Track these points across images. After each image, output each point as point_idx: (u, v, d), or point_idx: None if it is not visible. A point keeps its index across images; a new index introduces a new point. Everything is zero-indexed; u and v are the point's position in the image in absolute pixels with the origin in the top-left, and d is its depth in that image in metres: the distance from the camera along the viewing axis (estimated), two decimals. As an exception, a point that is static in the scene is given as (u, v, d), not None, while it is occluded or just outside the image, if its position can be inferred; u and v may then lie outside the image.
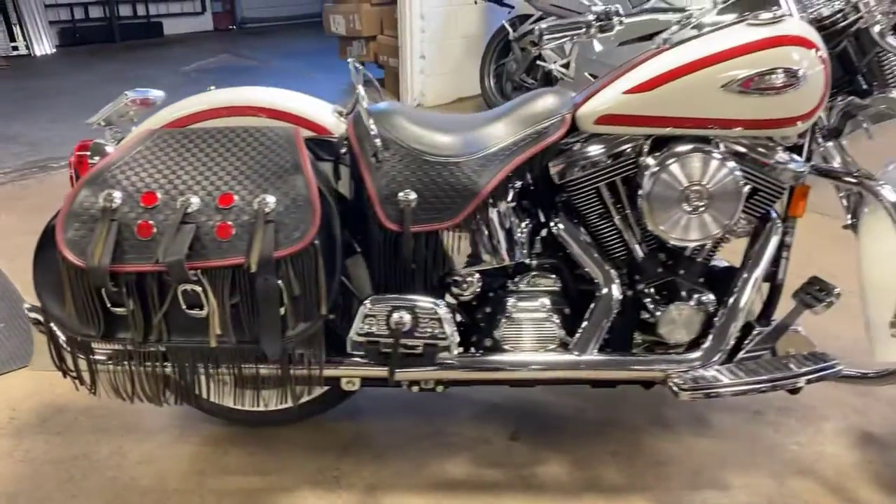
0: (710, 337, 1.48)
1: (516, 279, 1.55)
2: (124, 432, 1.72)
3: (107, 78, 6.47)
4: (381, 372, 1.44)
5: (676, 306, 1.47)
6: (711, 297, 1.50)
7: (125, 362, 1.38)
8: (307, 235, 1.26)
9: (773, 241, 1.49)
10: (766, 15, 1.36)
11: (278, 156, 1.33)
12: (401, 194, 1.38)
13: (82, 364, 1.40)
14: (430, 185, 1.39)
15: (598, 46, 3.85)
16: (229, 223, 1.26)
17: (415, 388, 1.52)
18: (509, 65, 4.42)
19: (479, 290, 1.54)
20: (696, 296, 1.49)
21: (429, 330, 1.41)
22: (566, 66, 4.01)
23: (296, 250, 1.26)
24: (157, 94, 1.60)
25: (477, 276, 1.53)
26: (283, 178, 1.30)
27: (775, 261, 1.52)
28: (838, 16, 1.45)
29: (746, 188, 1.41)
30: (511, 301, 1.51)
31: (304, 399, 1.65)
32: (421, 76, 4.98)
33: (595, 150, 1.44)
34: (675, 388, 1.42)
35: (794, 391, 1.49)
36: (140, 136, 1.37)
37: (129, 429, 1.73)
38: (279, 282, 1.26)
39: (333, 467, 1.61)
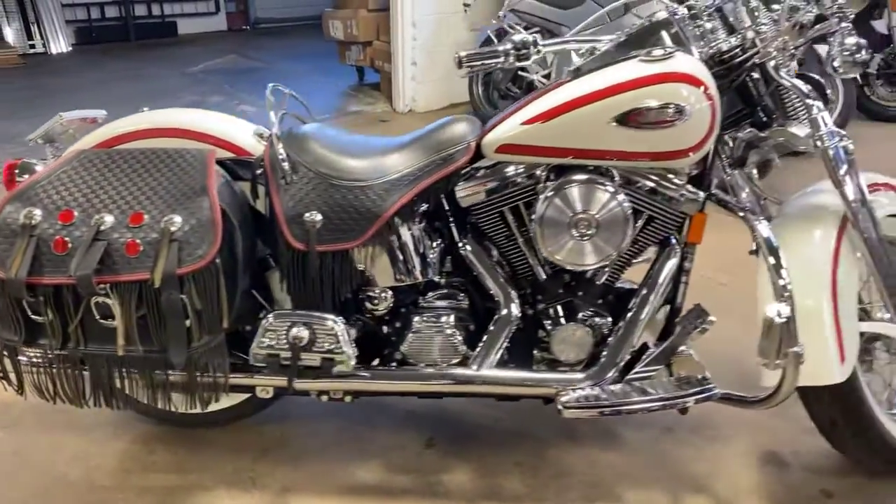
0: (603, 356, 1.54)
1: (427, 296, 1.63)
2: (65, 429, 1.83)
3: (118, 76, 6.67)
4: (282, 382, 1.53)
5: (569, 326, 1.54)
6: (606, 319, 1.56)
7: (46, 366, 1.48)
8: (209, 254, 1.35)
9: (670, 266, 1.55)
10: (657, 52, 1.42)
11: (190, 177, 1.42)
12: (307, 215, 1.47)
13: (9, 366, 1.51)
14: (335, 207, 1.48)
15: (576, 59, 3.92)
16: (137, 241, 1.35)
17: (324, 398, 1.60)
18: (495, 74, 4.49)
19: (391, 305, 1.62)
20: (589, 317, 1.56)
21: (326, 345, 1.50)
22: (547, 76, 4.08)
23: (197, 267, 1.35)
24: (97, 112, 1.71)
25: (390, 292, 1.62)
26: (192, 199, 1.39)
27: (675, 285, 1.58)
28: (737, 50, 1.50)
29: (639, 219, 1.48)
30: (418, 317, 1.59)
31: (227, 404, 1.77)
32: (412, 83, 5.07)
33: (497, 176, 1.52)
34: (559, 406, 1.49)
35: (683, 411, 1.56)
36: (67, 156, 1.48)
37: (70, 426, 1.84)
38: (182, 297, 1.36)
39: (250, 468, 1.70)
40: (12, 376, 1.51)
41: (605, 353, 1.55)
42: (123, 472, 1.69)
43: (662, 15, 1.51)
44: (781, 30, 1.43)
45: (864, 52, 1.45)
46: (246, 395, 1.74)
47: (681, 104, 1.37)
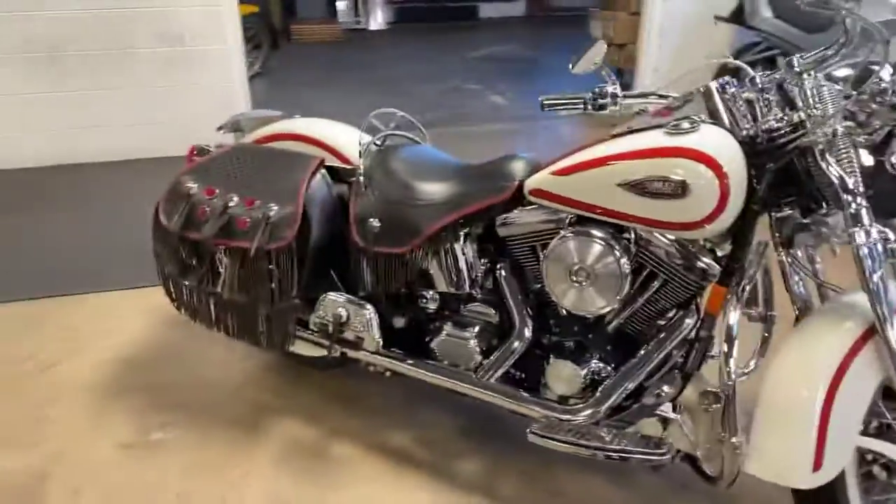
0: (592, 397, 1.65)
1: (466, 306, 1.88)
2: (213, 343, 2.45)
3: (406, 56, 7.55)
4: (326, 345, 1.92)
5: (562, 363, 1.67)
6: (606, 366, 1.66)
7: (190, 296, 2.05)
8: (288, 237, 1.78)
9: (680, 330, 1.59)
10: (685, 124, 1.47)
11: (294, 176, 1.84)
12: (370, 220, 1.81)
13: (173, 290, 2.12)
14: (391, 218, 1.80)
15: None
16: (248, 219, 1.82)
17: (370, 368, 1.96)
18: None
19: (438, 307, 1.90)
20: (588, 359, 1.66)
21: (359, 326, 1.84)
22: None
23: (279, 246, 1.79)
24: (273, 113, 2.24)
25: (438, 297, 1.89)
26: (289, 193, 1.83)
27: (690, 348, 1.61)
28: (785, 129, 1.47)
29: (655, 280, 1.56)
30: (451, 322, 1.85)
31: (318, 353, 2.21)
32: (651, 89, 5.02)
33: (528, 216, 1.70)
34: (530, 429, 1.65)
35: (656, 468, 1.60)
36: (224, 149, 2.01)
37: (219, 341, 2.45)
38: (270, 266, 1.81)
39: (321, 406, 2.14)
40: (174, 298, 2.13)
41: (594, 395, 1.65)
42: (241, 385, 2.26)
43: (714, 85, 1.52)
44: (827, 115, 1.38)
45: None
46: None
47: (684, 179, 1.41)
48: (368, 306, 1.86)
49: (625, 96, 1.66)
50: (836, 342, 1.38)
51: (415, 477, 1.88)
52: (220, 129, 2.22)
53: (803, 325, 1.44)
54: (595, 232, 1.55)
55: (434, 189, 1.79)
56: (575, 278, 1.58)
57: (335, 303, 1.88)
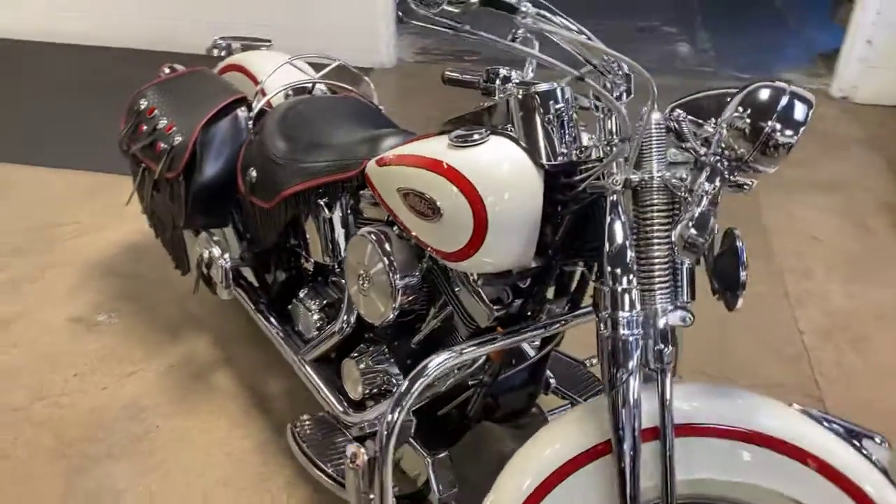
0: (371, 403, 1.51)
1: (330, 278, 1.79)
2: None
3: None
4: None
5: (355, 363, 1.53)
6: (388, 373, 1.50)
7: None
8: (178, 169, 1.83)
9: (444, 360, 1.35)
10: (475, 136, 1.20)
11: (202, 111, 1.86)
12: (250, 169, 1.78)
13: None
14: (264, 171, 1.74)
15: None
16: (162, 144, 1.89)
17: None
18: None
19: (312, 270, 1.83)
20: (373, 364, 1.51)
21: (215, 272, 1.86)
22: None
23: (171, 176, 1.85)
24: (261, 41, 2.24)
25: (311, 260, 1.82)
26: (191, 127, 1.85)
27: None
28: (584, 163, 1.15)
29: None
30: (309, 289, 1.79)
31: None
32: (860, 65, 4.06)
33: (365, 202, 1.55)
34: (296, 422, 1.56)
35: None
36: (180, 72, 2.07)
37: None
38: (169, 191, 1.89)
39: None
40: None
41: (375, 401, 1.51)
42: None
43: (543, 87, 1.21)
44: (615, 153, 1.05)
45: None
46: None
47: (435, 200, 1.18)
48: (226, 255, 1.86)
49: (520, 83, 1.39)
50: (567, 445, 1.11)
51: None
52: (209, 50, 2.28)
53: (557, 417, 1.17)
54: (382, 237, 1.37)
55: (303, 151, 1.68)
56: (360, 280, 1.43)
57: (204, 242, 1.91)
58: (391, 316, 1.37)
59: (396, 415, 1.16)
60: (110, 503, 1.68)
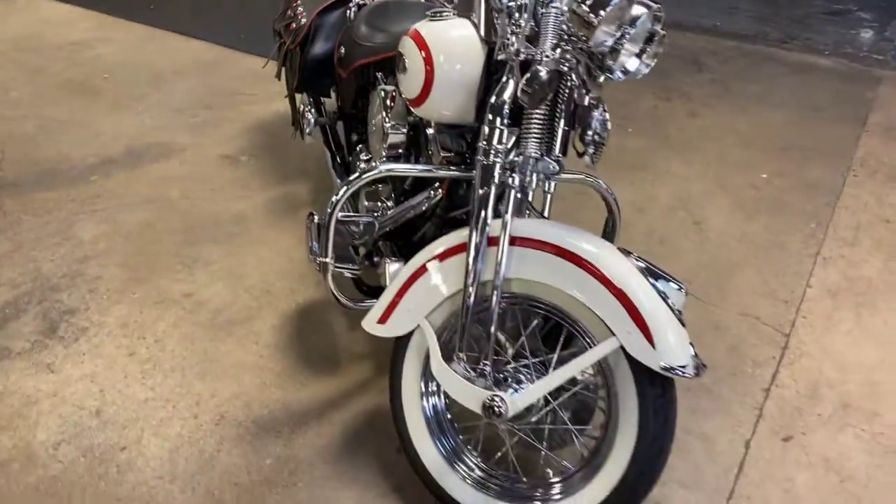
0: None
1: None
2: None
3: None
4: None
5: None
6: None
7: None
8: (296, 43, 2.43)
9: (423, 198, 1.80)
10: (445, 13, 1.62)
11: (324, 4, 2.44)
12: (341, 47, 2.31)
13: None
14: (346, 49, 2.25)
15: None
16: (293, 25, 2.51)
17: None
18: None
19: None
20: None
21: (304, 123, 2.43)
22: None
23: (291, 48, 2.45)
24: None
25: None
26: (310, 14, 2.43)
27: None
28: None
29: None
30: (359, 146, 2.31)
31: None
32: None
33: None
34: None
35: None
36: None
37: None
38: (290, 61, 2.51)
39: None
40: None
41: None
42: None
43: None
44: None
45: None
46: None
47: (403, 56, 1.62)
48: (312, 110, 2.43)
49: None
50: (443, 242, 1.52)
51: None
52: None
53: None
54: (387, 94, 1.84)
55: (374, 36, 2.18)
56: (371, 127, 1.93)
57: (301, 99, 2.50)
58: (384, 155, 1.84)
59: (340, 194, 1.64)
60: (203, 266, 2.37)
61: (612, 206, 1.82)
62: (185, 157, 3.04)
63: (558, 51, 1.34)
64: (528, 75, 1.33)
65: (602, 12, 1.25)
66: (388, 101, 1.83)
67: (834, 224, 2.64)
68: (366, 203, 1.99)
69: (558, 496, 1.48)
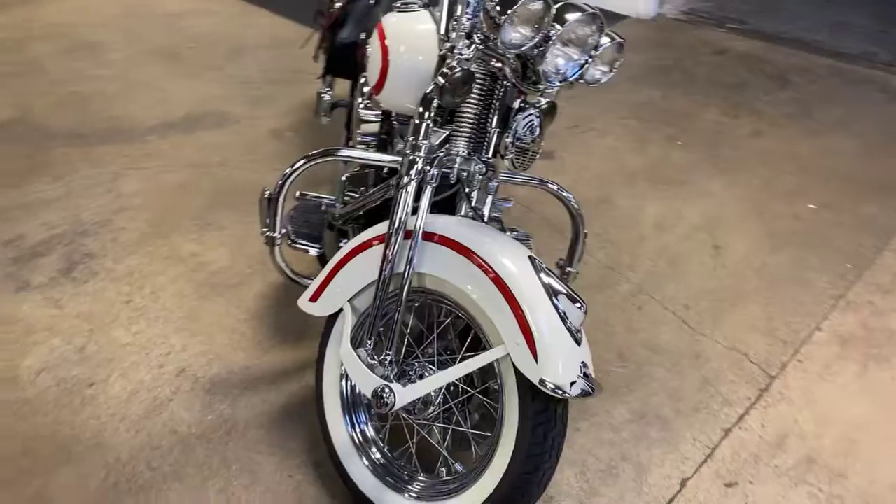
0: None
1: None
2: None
3: None
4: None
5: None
6: None
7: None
8: (325, 26, 2.51)
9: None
10: (413, 6, 1.64)
11: None
12: (364, 33, 2.37)
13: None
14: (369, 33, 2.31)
15: None
16: (330, 9, 2.60)
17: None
18: None
19: None
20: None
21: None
22: None
23: (323, 28, 2.55)
24: None
25: None
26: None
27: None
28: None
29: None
30: None
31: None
32: None
33: None
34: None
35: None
36: None
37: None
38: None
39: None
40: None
41: None
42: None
43: None
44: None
45: None
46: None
47: (368, 46, 1.66)
48: (329, 92, 2.50)
49: None
50: (376, 229, 1.56)
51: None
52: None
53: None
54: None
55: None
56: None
57: (322, 81, 2.58)
58: (358, 140, 1.89)
59: (288, 172, 1.70)
60: (216, 230, 2.52)
61: (574, 213, 1.78)
62: (238, 127, 3.22)
63: (473, 48, 1.33)
64: (442, 71, 1.33)
65: (509, 11, 1.24)
66: (364, 89, 1.87)
67: (874, 267, 2.41)
68: (349, 187, 2.05)
69: (443, 497, 1.47)
